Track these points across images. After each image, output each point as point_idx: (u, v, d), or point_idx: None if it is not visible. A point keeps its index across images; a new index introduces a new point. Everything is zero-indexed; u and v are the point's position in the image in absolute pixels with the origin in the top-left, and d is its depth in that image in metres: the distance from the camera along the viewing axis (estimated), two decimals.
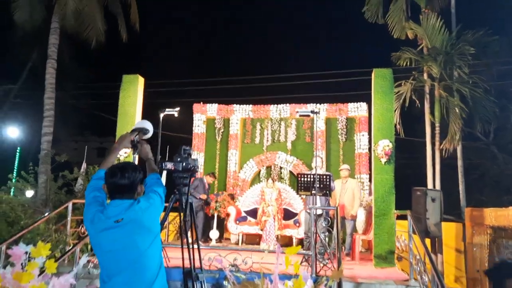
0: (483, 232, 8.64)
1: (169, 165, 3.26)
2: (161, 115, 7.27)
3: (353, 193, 7.89)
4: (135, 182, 2.47)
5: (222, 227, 9.71)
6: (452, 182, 12.04)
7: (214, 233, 9.32)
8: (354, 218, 8.00)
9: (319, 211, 7.07)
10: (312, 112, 6.39)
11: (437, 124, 10.63)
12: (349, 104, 10.65)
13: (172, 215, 10.41)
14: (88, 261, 5.74)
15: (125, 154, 7.52)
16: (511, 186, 16.76)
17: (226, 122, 11.24)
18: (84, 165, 10.36)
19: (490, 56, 11.41)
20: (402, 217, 8.38)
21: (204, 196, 9.21)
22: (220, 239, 9.54)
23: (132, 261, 2.34)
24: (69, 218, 7.36)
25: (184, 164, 3.22)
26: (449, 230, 9.29)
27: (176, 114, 7.49)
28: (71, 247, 6.24)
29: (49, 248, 3.17)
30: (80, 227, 7.48)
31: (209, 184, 9.74)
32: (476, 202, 14.04)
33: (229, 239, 9.73)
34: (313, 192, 6.50)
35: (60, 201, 9.13)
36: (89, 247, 7.52)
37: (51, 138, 11.18)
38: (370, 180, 10.10)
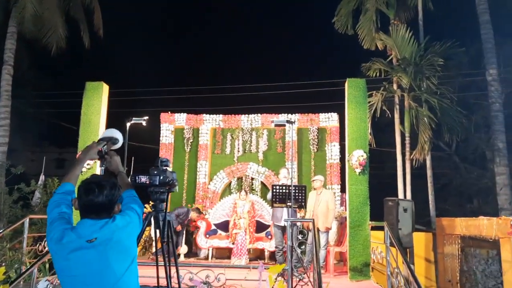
0: (453, 241, 8.75)
1: (144, 179, 3.08)
2: (128, 124, 6.98)
3: (327, 205, 7.86)
4: (113, 201, 2.25)
5: (190, 241, 9.56)
6: (420, 191, 12.19)
7: (183, 248, 9.13)
8: (328, 230, 7.96)
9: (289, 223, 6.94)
10: (288, 122, 6.35)
11: (407, 135, 10.84)
12: (320, 114, 10.76)
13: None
14: (47, 283, 5.32)
15: (87, 166, 7.17)
16: (473, 195, 17.29)
17: (196, 132, 11.14)
18: (42, 177, 9.86)
19: (456, 67, 11.74)
20: (375, 228, 8.41)
21: (178, 228, 9.03)
22: (188, 254, 9.35)
23: None
24: (25, 235, 6.91)
25: (161, 177, 3.05)
26: (419, 240, 9.38)
27: (144, 123, 7.27)
28: (28, 267, 5.81)
29: (3, 272, 2.85)
30: (38, 245, 7.03)
31: (191, 219, 9.45)
32: (441, 211, 14.41)
33: (196, 253, 9.53)
34: (288, 204, 6.34)
35: (16, 216, 8.64)
36: (47, 266, 7.10)
37: (6, 149, 10.73)
38: (341, 191, 10.22)
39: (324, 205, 7.85)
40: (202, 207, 10.25)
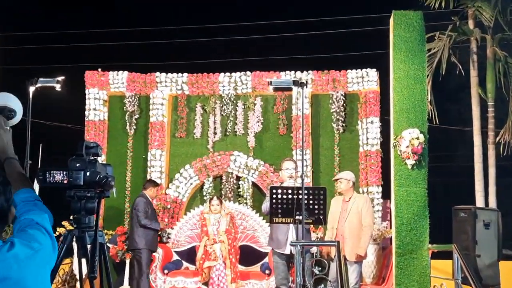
0: None
1: (59, 176, 3.08)
2: (31, 89, 6.88)
3: (361, 219, 7.81)
4: (4, 207, 2.28)
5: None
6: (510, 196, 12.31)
7: None
8: (361, 260, 7.95)
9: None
10: (296, 83, 6.31)
11: (490, 103, 10.88)
12: (348, 71, 10.68)
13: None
14: None
15: None
16: None
17: (144, 103, 11.10)
18: None
19: None
20: (437, 256, 8.57)
21: (163, 227, 9.16)
22: None
23: None
24: None
25: (88, 173, 3.04)
26: (511, 274, 9.07)
27: (58, 88, 7.19)
28: None
29: None
30: None
31: (153, 198, 9.58)
32: None
33: None
34: (297, 218, 6.32)
35: None
36: None
37: None
38: (384, 196, 10.20)
39: (355, 219, 7.84)
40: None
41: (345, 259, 7.69)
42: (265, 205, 7.07)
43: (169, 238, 10.21)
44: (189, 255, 9.89)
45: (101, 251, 3.20)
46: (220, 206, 9.40)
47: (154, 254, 9.36)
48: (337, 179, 8.18)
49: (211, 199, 9.63)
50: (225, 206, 9.63)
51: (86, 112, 11.03)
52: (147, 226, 8.94)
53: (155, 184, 9.65)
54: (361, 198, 8.14)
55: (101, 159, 10.95)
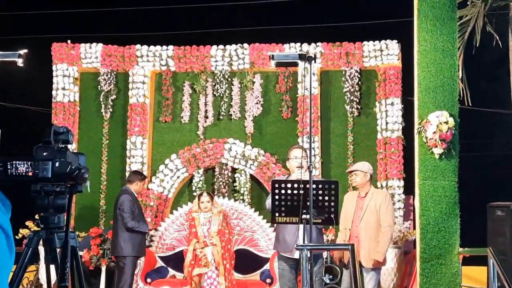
0: None
1: (23, 167, 3.13)
2: None
3: (379, 218, 7.88)
4: None
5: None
6: None
7: None
8: (379, 267, 8.04)
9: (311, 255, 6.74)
10: (303, 57, 6.33)
11: None
12: (365, 43, 10.70)
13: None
14: None
15: None
16: None
17: (122, 81, 11.15)
18: None
19: None
20: (469, 261, 8.72)
21: (151, 228, 9.24)
22: None
23: None
24: None
25: (56, 164, 3.07)
26: None
27: (19, 63, 7.30)
28: None
29: None
30: None
31: (138, 193, 9.55)
32: None
33: None
34: (304, 217, 6.36)
35: None
36: None
37: None
38: (406, 192, 10.27)
39: (373, 218, 7.90)
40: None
41: (360, 265, 7.67)
42: (269, 202, 7.03)
43: (152, 241, 10.22)
44: (176, 261, 9.92)
45: (73, 256, 3.20)
46: (211, 203, 9.40)
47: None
48: (352, 172, 8.21)
49: (200, 194, 9.62)
50: (216, 202, 9.65)
51: (54, 92, 11.03)
52: (135, 230, 8.88)
53: (142, 176, 9.60)
54: (380, 194, 8.19)
55: (72, 147, 11.06)
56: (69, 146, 3.23)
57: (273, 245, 8.08)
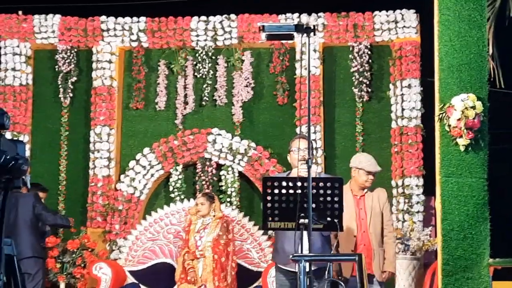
0: None
1: None
2: None
3: (382, 221, 7.75)
4: None
5: None
6: None
7: None
8: (387, 279, 7.85)
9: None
10: (300, 29, 5.95)
11: None
12: (376, 14, 10.50)
13: None
14: None
15: None
16: None
17: (84, 60, 10.99)
18: None
19: None
20: (502, 274, 8.45)
21: (72, 221, 9.26)
22: None
23: None
24: None
25: None
26: None
27: None
28: None
29: None
30: None
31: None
32: None
33: None
34: (302, 221, 5.99)
35: None
36: None
37: None
38: (426, 192, 10.14)
39: (378, 221, 7.81)
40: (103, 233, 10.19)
41: (371, 276, 7.68)
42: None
43: (120, 252, 10.07)
44: (151, 276, 9.75)
45: (9, 266, 3.16)
46: (208, 207, 9.13)
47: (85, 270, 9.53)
48: (356, 168, 7.92)
49: (197, 195, 9.66)
50: (218, 207, 9.32)
51: (2, 74, 10.79)
52: (58, 223, 8.94)
53: (44, 190, 9.54)
54: (380, 193, 7.97)
55: (25, 139, 10.38)
56: (4, 132, 3.17)
57: (269, 255, 8.39)
